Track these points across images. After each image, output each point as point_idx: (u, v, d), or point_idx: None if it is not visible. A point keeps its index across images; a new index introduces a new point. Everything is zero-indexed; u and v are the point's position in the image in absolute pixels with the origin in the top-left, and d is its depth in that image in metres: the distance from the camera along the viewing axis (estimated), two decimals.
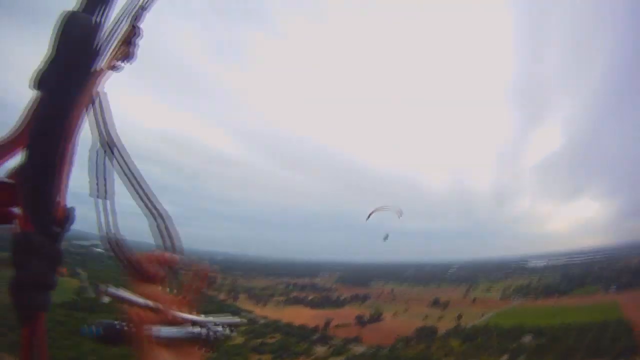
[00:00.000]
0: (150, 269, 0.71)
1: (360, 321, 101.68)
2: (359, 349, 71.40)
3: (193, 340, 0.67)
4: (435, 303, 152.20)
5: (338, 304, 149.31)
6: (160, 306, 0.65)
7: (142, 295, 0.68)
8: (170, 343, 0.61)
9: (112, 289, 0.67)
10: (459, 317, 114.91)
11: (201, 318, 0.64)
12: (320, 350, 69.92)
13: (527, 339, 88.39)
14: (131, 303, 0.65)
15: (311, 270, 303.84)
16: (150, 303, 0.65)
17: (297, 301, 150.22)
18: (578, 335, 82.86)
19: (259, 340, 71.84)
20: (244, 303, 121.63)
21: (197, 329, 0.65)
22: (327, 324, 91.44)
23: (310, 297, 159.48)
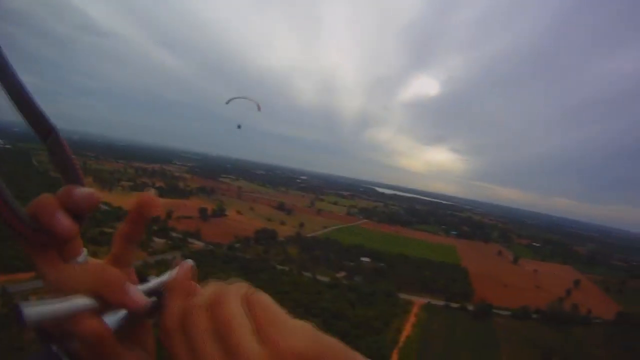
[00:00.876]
0: (53, 222, 0.39)
1: (203, 215, 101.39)
2: (198, 245, 71.72)
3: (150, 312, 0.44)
4: (281, 207, 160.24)
5: (185, 194, 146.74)
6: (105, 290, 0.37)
7: (48, 267, 0.38)
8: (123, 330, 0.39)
9: (36, 308, 0.35)
10: (301, 225, 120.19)
11: (153, 280, 0.47)
12: (158, 242, 68.73)
13: (365, 259, 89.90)
14: (71, 316, 0.36)
15: (165, 156, 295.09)
16: (90, 301, 0.37)
17: (144, 188, 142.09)
18: (416, 268, 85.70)
19: (98, 230, 67.44)
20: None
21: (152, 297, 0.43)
22: (169, 214, 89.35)
23: (158, 185, 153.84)
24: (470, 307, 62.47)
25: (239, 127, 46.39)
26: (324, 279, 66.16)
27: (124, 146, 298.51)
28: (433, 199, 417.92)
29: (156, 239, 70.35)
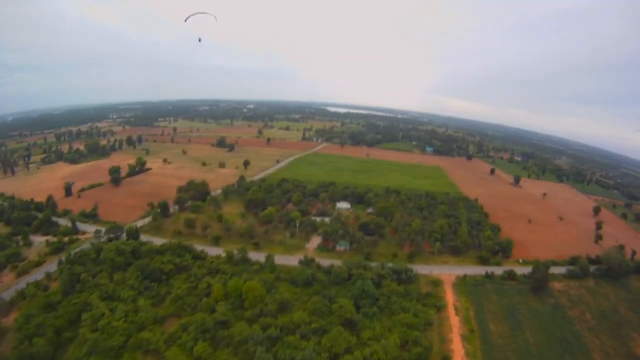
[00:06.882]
0: None
1: (114, 178, 77.31)
2: (88, 235, 50.64)
3: None
4: (221, 144, 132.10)
5: (106, 151, 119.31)
6: None
7: None
8: None
9: None
10: (246, 164, 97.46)
11: None
12: (33, 249, 48.25)
13: (344, 205, 67.06)
14: None
15: (101, 114, 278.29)
16: None
17: (57, 159, 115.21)
18: (418, 210, 64.77)
19: None
20: None
21: None
22: (67, 189, 68.96)
23: (76, 148, 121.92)
24: (517, 270, 45.18)
25: (200, 40, 48.34)
26: (289, 260, 42.12)
27: (59, 114, 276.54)
28: (388, 114, 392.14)
29: (34, 239, 48.48)
